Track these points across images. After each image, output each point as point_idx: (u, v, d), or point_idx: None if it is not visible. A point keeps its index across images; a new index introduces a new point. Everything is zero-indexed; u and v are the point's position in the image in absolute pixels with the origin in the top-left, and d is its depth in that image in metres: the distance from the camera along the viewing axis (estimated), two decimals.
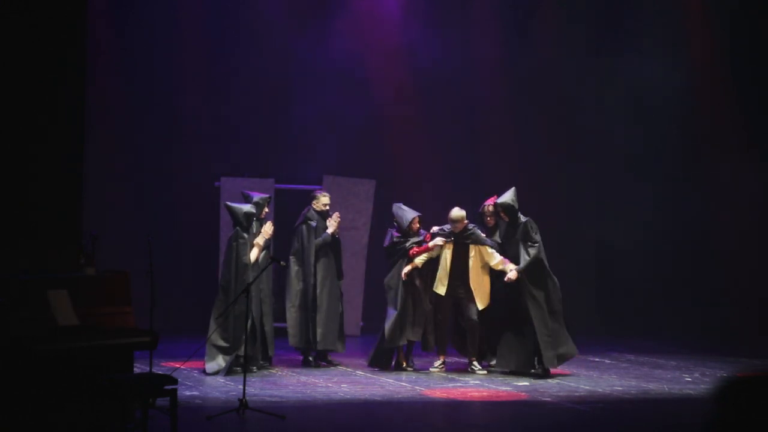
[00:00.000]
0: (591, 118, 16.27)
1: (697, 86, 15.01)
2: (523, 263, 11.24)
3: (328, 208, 11.94)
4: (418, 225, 11.99)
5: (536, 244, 11.31)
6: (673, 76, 15.14)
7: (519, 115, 16.07)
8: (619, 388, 10.68)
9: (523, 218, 11.42)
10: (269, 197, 11.80)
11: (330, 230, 11.81)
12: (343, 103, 15.42)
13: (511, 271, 11.23)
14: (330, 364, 11.88)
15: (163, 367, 10.68)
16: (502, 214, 11.53)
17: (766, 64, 14.68)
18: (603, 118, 16.15)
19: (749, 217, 14.53)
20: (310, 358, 11.84)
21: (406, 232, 11.87)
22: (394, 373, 11.46)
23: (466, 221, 11.56)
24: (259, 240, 11.12)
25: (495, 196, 11.85)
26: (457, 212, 11.58)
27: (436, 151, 15.84)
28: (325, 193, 12.09)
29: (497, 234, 11.77)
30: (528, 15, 16.11)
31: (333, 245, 11.90)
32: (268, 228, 11.33)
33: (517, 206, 11.44)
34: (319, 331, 11.71)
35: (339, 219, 11.91)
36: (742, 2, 14.73)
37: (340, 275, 11.99)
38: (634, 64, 15.59)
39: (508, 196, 11.49)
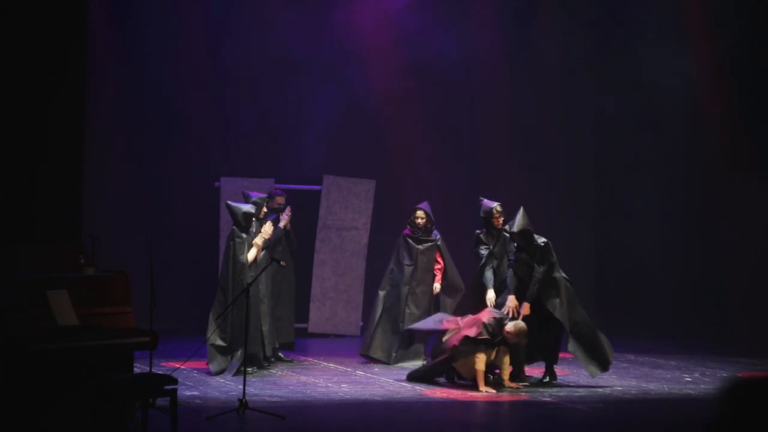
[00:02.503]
0: (592, 118, 16.29)
1: (703, 86, 14.98)
2: (529, 292, 10.77)
3: (281, 206, 12.25)
4: (420, 220, 12.08)
5: (543, 268, 10.78)
6: (678, 76, 15.10)
7: (520, 115, 16.07)
8: (619, 388, 10.68)
9: (539, 240, 10.90)
10: (267, 197, 11.84)
11: (281, 224, 12.02)
12: (343, 102, 15.42)
13: (523, 307, 10.77)
14: (282, 359, 11.97)
15: (163, 367, 10.68)
16: (519, 242, 10.88)
17: None
18: (604, 118, 16.17)
19: (751, 217, 14.52)
20: (281, 355, 12.01)
21: (415, 229, 12.22)
22: (394, 372, 11.45)
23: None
24: (258, 240, 11.12)
25: (486, 200, 11.78)
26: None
27: (436, 151, 15.83)
28: (282, 195, 12.45)
29: (501, 238, 11.66)
30: (530, 14, 16.11)
31: (287, 241, 12.17)
32: (267, 228, 11.34)
33: (532, 229, 10.92)
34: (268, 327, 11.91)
35: (290, 214, 12.14)
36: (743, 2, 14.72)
37: (291, 269, 12.31)
38: (637, 64, 15.58)
39: (523, 222, 10.84)
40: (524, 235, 10.83)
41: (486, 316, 10.41)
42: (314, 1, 15.42)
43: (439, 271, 12.25)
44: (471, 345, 10.29)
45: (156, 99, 14.80)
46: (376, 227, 14.77)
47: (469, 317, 10.66)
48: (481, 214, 11.67)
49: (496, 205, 11.64)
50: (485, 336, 10.24)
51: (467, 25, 15.84)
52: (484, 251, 11.54)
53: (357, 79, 15.46)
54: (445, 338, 10.71)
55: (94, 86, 12.85)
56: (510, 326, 10.29)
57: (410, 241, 12.21)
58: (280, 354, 12.06)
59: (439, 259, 12.23)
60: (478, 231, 11.72)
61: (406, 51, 15.64)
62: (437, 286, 12.22)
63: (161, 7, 14.79)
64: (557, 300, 10.81)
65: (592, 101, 16.24)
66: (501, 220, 11.60)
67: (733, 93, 14.70)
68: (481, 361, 10.29)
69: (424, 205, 12.39)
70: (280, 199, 12.38)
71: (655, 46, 15.31)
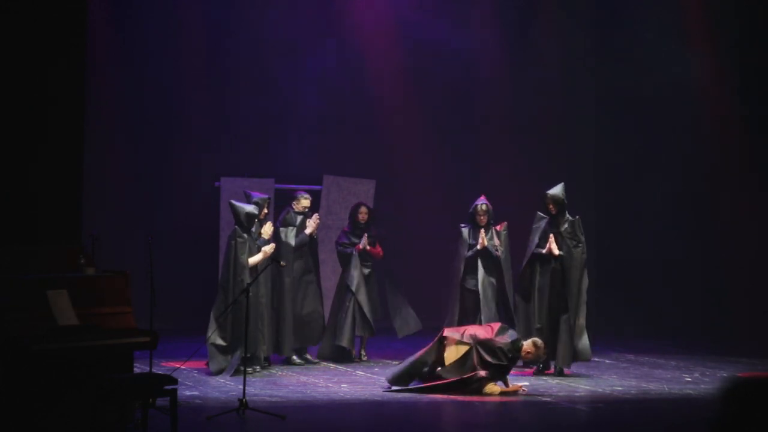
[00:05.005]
0: (592, 118, 16.29)
1: (703, 86, 14.96)
2: (576, 276, 11.34)
3: (307, 210, 12.04)
4: (362, 215, 12.23)
5: (581, 245, 11.42)
6: (678, 76, 15.09)
7: (520, 115, 16.07)
8: (619, 388, 10.68)
9: (570, 216, 11.49)
10: (268, 198, 11.80)
11: (308, 231, 11.91)
12: (343, 103, 15.43)
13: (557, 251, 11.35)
14: (307, 361, 11.92)
15: (163, 367, 10.68)
16: (550, 206, 11.47)
17: None
18: (604, 117, 16.17)
19: (751, 217, 14.52)
20: (295, 357, 11.91)
21: (356, 225, 12.31)
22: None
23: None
24: (267, 249, 11.12)
25: (483, 196, 11.98)
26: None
27: (436, 151, 15.84)
28: (307, 196, 12.20)
29: (490, 233, 11.81)
30: (530, 14, 16.11)
31: (311, 246, 12.03)
32: (267, 228, 11.37)
33: (566, 202, 11.49)
34: (298, 332, 11.80)
35: (318, 221, 12.00)
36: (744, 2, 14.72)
37: (317, 274, 12.17)
38: (637, 64, 15.57)
39: (559, 190, 11.49)
40: (557, 200, 11.39)
41: (500, 342, 10.22)
42: (314, 1, 15.43)
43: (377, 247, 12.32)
44: (478, 380, 10.13)
45: (156, 99, 14.80)
46: (375, 227, 14.76)
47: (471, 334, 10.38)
48: (470, 210, 11.94)
49: (481, 204, 11.88)
50: (503, 361, 10.19)
51: (467, 25, 15.84)
52: (467, 252, 11.84)
53: (357, 79, 15.48)
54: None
55: (94, 86, 12.84)
56: (528, 345, 10.29)
57: (352, 237, 12.28)
58: (307, 356, 11.99)
59: (378, 248, 12.33)
60: (462, 225, 11.95)
61: (406, 51, 15.65)
62: (365, 240, 12.21)
63: (161, 7, 14.79)
64: (579, 282, 11.34)
65: (592, 101, 16.23)
66: (484, 218, 11.80)
67: (733, 93, 14.70)
68: (492, 389, 10.19)
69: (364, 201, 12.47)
70: (306, 201, 12.06)
71: (655, 46, 15.30)
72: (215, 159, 14.89)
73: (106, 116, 14.28)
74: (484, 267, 11.78)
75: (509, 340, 10.23)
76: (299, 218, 11.98)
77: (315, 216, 12.02)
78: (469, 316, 11.68)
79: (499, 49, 15.97)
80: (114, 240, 12.78)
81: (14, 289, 7.78)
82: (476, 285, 11.73)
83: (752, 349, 13.15)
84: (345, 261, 12.32)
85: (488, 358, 10.09)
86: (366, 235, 12.20)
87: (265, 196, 11.66)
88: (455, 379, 10.09)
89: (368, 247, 12.21)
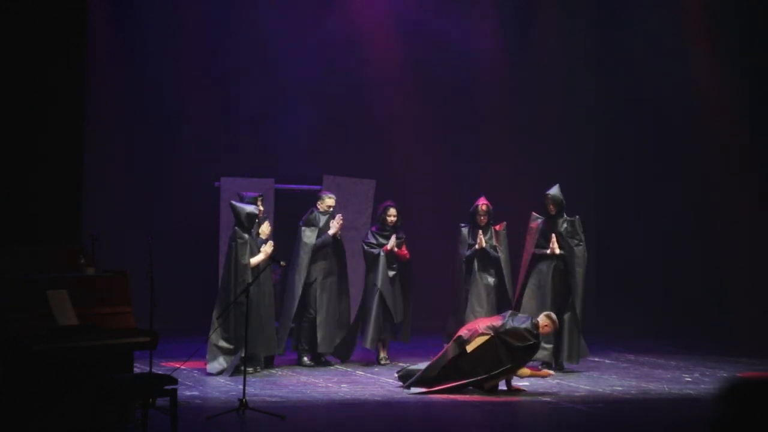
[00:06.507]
0: (592, 118, 16.29)
1: (703, 86, 14.97)
2: (575, 276, 11.51)
3: (332, 209, 11.94)
4: (392, 218, 12.04)
5: (582, 243, 11.57)
6: (678, 76, 15.10)
7: (520, 115, 16.08)
8: (619, 388, 10.68)
9: (568, 216, 11.63)
10: (261, 195, 11.58)
11: (331, 232, 11.81)
12: (343, 102, 15.43)
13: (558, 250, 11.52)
14: (328, 363, 11.88)
15: (163, 367, 10.68)
16: (550, 206, 11.58)
17: None
18: (604, 117, 16.17)
19: (751, 217, 14.52)
20: (306, 359, 11.83)
21: (383, 226, 12.08)
22: (394, 372, 11.44)
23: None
24: (268, 249, 11.10)
25: (483, 197, 12.03)
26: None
27: (436, 151, 15.84)
28: (331, 195, 12.07)
29: (489, 233, 11.88)
30: (530, 14, 16.12)
31: (335, 247, 11.91)
32: (265, 228, 11.37)
33: (564, 202, 11.61)
34: (319, 334, 11.72)
35: (341, 221, 11.88)
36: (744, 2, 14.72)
37: (343, 276, 11.99)
38: (637, 64, 15.58)
39: (558, 191, 11.63)
40: (557, 200, 11.54)
41: (520, 325, 10.26)
42: (315, 1, 15.43)
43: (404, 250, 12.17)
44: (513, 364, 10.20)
45: (156, 99, 14.81)
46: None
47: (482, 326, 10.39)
48: (471, 209, 12.04)
49: (481, 204, 11.95)
50: (531, 341, 10.19)
51: (467, 25, 15.85)
52: (466, 251, 11.91)
53: (357, 79, 15.48)
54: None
55: (94, 86, 12.85)
56: (543, 320, 10.32)
57: (379, 238, 12.06)
58: (324, 360, 11.88)
59: (405, 250, 12.15)
60: (462, 224, 12.04)
61: (406, 51, 15.65)
62: (393, 241, 11.96)
63: (161, 7, 14.80)
64: (583, 280, 11.53)
65: (592, 101, 16.24)
66: (485, 219, 11.92)
67: (733, 93, 14.70)
68: (522, 371, 10.38)
69: (393, 202, 12.34)
70: (330, 201, 11.92)
71: (655, 46, 15.31)
72: (215, 159, 14.89)
73: (106, 116, 14.28)
74: (481, 268, 11.84)
75: (527, 321, 10.27)
76: (323, 219, 11.86)
77: (338, 217, 11.85)
78: (463, 315, 11.70)
79: (499, 49, 15.98)
80: (114, 240, 12.78)
81: (14, 289, 7.78)
82: (470, 285, 11.79)
83: (752, 349, 13.15)
84: (371, 262, 12.07)
85: (517, 343, 10.10)
86: (394, 236, 12.04)
87: (256, 195, 11.45)
88: (484, 376, 10.09)
89: (395, 249, 12.07)
